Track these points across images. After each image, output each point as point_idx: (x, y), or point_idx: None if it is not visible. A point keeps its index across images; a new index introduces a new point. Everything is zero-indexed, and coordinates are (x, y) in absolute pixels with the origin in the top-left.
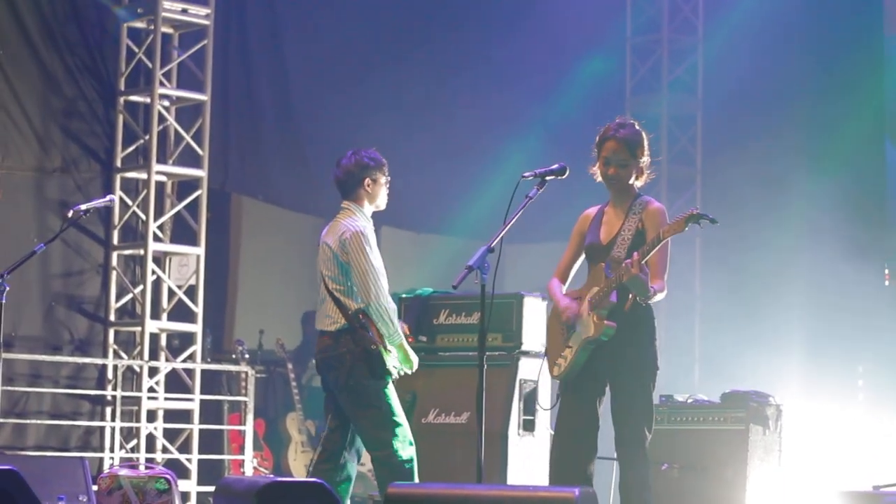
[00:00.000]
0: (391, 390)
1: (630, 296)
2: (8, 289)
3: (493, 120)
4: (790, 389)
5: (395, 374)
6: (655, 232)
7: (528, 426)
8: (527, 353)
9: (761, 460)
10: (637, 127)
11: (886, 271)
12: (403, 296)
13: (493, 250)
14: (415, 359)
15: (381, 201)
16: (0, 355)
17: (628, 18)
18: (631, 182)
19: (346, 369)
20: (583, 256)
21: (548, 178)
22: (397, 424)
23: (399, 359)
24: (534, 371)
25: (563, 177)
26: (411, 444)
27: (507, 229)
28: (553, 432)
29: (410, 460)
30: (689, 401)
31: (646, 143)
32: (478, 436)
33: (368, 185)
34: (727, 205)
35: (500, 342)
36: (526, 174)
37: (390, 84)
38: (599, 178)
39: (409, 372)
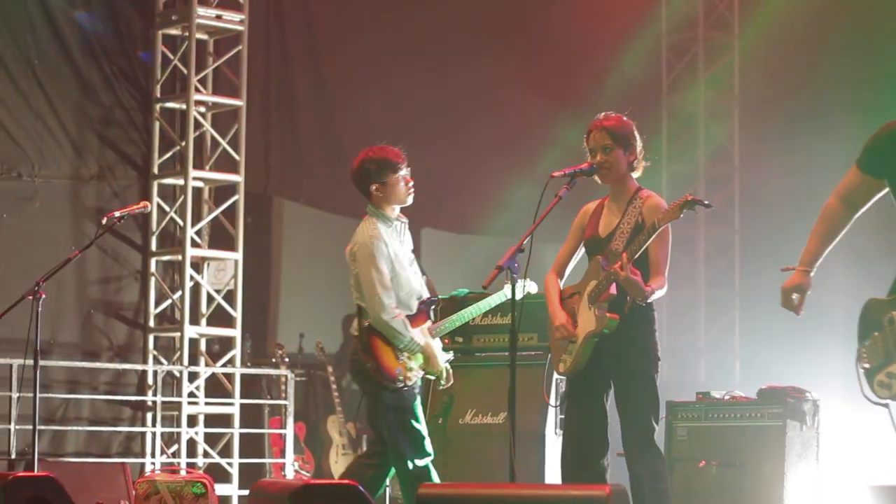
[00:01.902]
0: (407, 401)
1: (627, 298)
2: (44, 297)
3: (530, 119)
4: (831, 385)
5: (412, 381)
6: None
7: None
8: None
9: (799, 456)
10: (624, 119)
11: None
12: (439, 297)
13: (522, 250)
14: (440, 363)
15: (399, 199)
16: (38, 362)
17: (663, 16)
18: (625, 172)
19: (363, 375)
20: (581, 251)
21: (577, 177)
22: (412, 431)
23: (424, 364)
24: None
25: (593, 175)
26: (428, 453)
27: (535, 228)
28: (562, 430)
29: (423, 469)
30: (726, 397)
31: (634, 130)
32: (510, 435)
33: (378, 190)
34: (765, 201)
35: (535, 342)
36: (555, 173)
37: (429, 85)
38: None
39: (439, 378)
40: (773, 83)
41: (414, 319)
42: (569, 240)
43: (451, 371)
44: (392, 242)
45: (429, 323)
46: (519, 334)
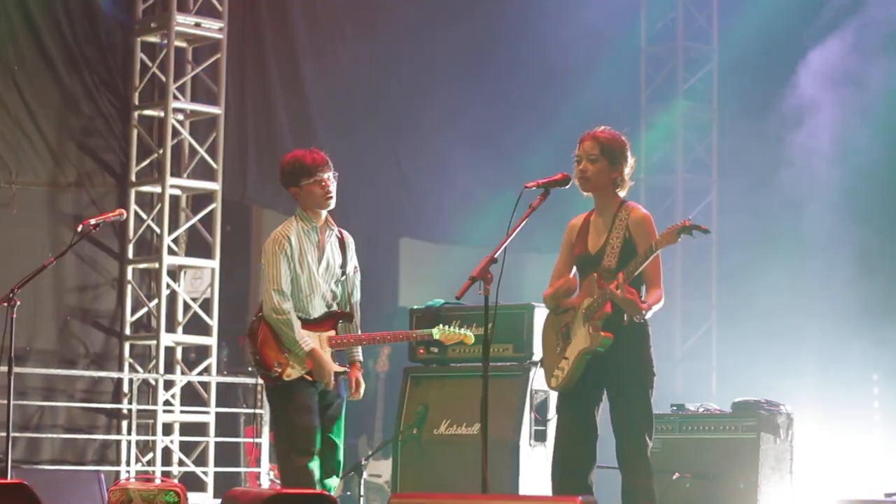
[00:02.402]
0: (297, 396)
1: (625, 316)
2: (19, 303)
3: (508, 129)
4: (805, 399)
5: (290, 377)
6: (645, 243)
7: (540, 436)
8: (538, 364)
9: (773, 469)
10: (619, 134)
11: None
12: (414, 307)
13: (496, 261)
14: (326, 374)
15: (315, 202)
16: (12, 369)
17: (642, 27)
18: (607, 186)
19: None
20: (574, 268)
21: (551, 188)
22: (291, 425)
23: (314, 371)
24: (545, 381)
25: (566, 187)
26: (309, 452)
27: (510, 240)
28: (553, 443)
29: (301, 467)
30: (700, 410)
31: (626, 150)
32: (482, 446)
33: (295, 193)
34: (742, 214)
35: (511, 353)
36: (529, 184)
37: (407, 94)
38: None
39: (325, 384)
40: (752, 95)
41: (315, 325)
42: (561, 256)
43: (360, 382)
44: (304, 244)
45: (331, 333)
46: (494, 345)
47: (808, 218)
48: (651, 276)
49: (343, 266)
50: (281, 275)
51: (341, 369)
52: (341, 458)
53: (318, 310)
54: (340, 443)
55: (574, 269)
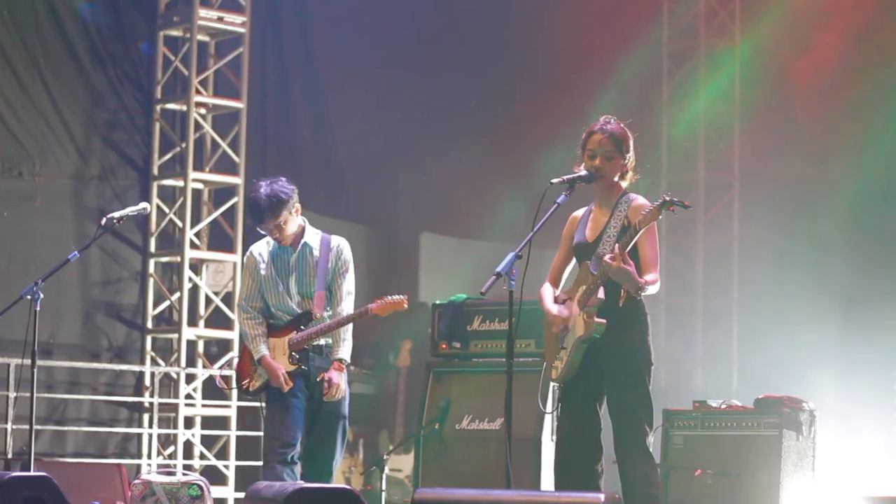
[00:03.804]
0: (269, 400)
1: (623, 291)
2: (42, 296)
3: (531, 125)
4: (827, 395)
5: (255, 387)
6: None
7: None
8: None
9: (795, 466)
10: (623, 125)
11: None
12: (436, 302)
13: (520, 256)
14: (276, 376)
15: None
16: (35, 362)
17: (665, 24)
18: (616, 180)
19: None
20: (574, 259)
21: (577, 183)
22: (267, 431)
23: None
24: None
25: (592, 183)
26: (275, 453)
27: (534, 235)
28: (555, 436)
29: (274, 467)
30: (723, 406)
31: (631, 142)
32: (506, 441)
33: None
34: (764, 211)
35: (532, 348)
36: (554, 180)
37: (428, 89)
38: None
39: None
40: (774, 91)
41: (280, 332)
42: (560, 249)
43: (332, 381)
44: (271, 258)
45: (293, 334)
46: (516, 340)
47: (829, 215)
48: (647, 262)
49: (321, 272)
50: (244, 285)
51: (293, 367)
52: (324, 466)
53: (285, 318)
54: (323, 451)
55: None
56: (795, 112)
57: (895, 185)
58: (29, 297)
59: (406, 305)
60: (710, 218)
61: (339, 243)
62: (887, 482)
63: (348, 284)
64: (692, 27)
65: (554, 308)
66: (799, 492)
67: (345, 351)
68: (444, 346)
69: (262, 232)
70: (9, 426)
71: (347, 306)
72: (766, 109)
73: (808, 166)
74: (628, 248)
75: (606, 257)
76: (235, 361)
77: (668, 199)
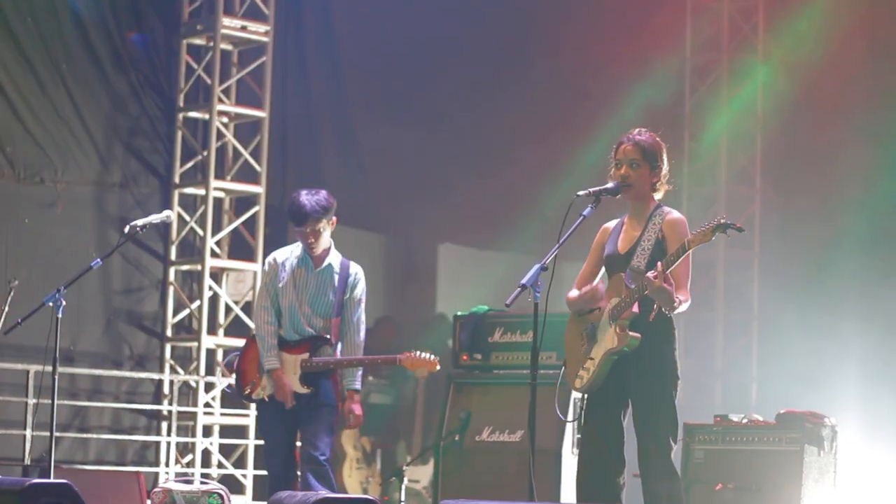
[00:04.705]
0: (264, 415)
1: (655, 306)
2: (64, 303)
3: (553, 137)
4: (848, 411)
5: (257, 396)
6: (677, 242)
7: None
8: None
9: (816, 481)
10: (656, 137)
11: None
12: (458, 314)
13: (546, 268)
14: (284, 392)
15: (304, 245)
16: (56, 369)
17: (688, 37)
18: (649, 192)
19: None
20: (603, 269)
21: (602, 196)
22: (263, 450)
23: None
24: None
25: (618, 196)
26: (270, 475)
27: (559, 247)
28: (578, 448)
29: (270, 484)
30: (745, 421)
31: (664, 153)
32: (530, 454)
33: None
34: (786, 225)
35: (554, 360)
36: (580, 192)
37: (449, 99)
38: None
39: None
40: (797, 105)
41: (291, 348)
42: (590, 257)
43: (353, 411)
44: (292, 270)
45: (306, 356)
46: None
47: (850, 228)
48: (679, 280)
49: (337, 298)
50: (262, 293)
51: (304, 391)
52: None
53: (297, 333)
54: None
55: (602, 272)
56: (818, 126)
57: None
58: (51, 304)
59: (438, 367)
60: (731, 232)
61: (357, 272)
62: None
63: (362, 314)
64: (715, 41)
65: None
66: None
67: (358, 382)
68: (465, 357)
69: (299, 236)
70: (28, 432)
71: (361, 336)
72: (788, 123)
73: (830, 180)
74: (671, 269)
75: (649, 274)
76: (236, 361)
77: (723, 221)
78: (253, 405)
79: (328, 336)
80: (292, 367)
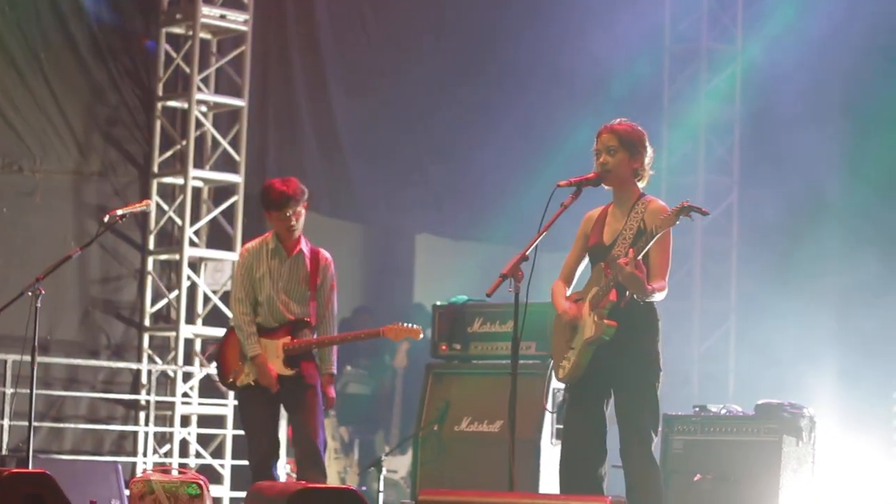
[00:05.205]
0: (248, 400)
1: (626, 293)
2: (43, 293)
3: (530, 127)
4: (824, 400)
5: (241, 384)
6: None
7: (561, 435)
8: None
9: (794, 472)
10: (636, 125)
11: None
12: (437, 304)
13: (527, 258)
14: (267, 377)
15: (280, 233)
16: (34, 359)
17: (667, 26)
18: (630, 179)
19: None
20: (587, 258)
21: (583, 186)
22: (247, 434)
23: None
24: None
25: (600, 185)
26: (249, 459)
27: (541, 237)
28: (559, 438)
29: (254, 466)
30: (723, 411)
31: (644, 140)
32: (510, 444)
33: (267, 217)
34: (764, 216)
35: (533, 351)
36: (561, 182)
37: (429, 89)
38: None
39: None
40: (774, 94)
41: (271, 334)
42: (574, 247)
43: (328, 394)
44: (266, 259)
45: (287, 339)
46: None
47: (828, 220)
48: (657, 268)
49: (311, 283)
50: (237, 284)
51: (289, 372)
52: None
53: (276, 320)
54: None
55: (586, 261)
56: (796, 115)
57: (895, 189)
58: (30, 293)
59: (421, 336)
60: (709, 221)
61: (328, 257)
62: (886, 487)
63: (335, 298)
64: (694, 31)
65: (565, 304)
66: (798, 497)
67: (334, 365)
68: (444, 347)
69: (276, 223)
70: (5, 422)
71: (334, 319)
72: (766, 112)
73: (809, 171)
74: (642, 254)
75: (619, 260)
76: (217, 351)
77: (686, 204)
78: (231, 394)
79: (308, 319)
80: (274, 351)
